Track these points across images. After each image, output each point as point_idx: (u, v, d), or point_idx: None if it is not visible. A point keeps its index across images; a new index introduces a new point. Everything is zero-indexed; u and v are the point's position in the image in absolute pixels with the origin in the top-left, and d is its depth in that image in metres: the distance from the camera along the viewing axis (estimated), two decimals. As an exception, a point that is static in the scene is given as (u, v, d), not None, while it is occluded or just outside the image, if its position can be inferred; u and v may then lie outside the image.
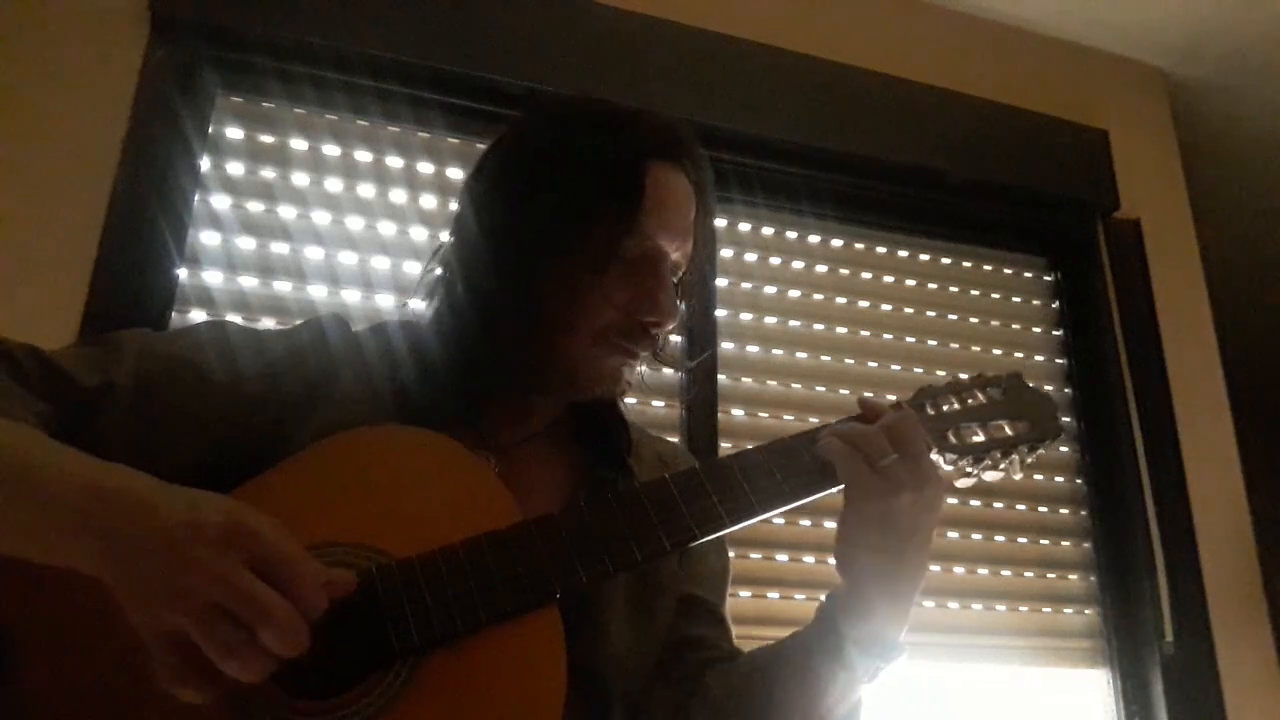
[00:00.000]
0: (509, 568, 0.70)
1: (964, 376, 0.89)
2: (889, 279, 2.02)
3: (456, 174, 1.72)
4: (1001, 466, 0.84)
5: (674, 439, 1.60)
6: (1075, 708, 1.87)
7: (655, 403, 1.72)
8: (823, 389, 1.88)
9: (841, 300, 1.97)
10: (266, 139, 1.63)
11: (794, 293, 1.93)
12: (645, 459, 0.95)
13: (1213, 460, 2.05)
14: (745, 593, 1.66)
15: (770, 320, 1.90)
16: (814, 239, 1.98)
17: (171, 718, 0.61)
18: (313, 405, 0.80)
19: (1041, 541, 1.94)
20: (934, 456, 0.81)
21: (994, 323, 2.09)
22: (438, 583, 0.68)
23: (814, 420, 1.84)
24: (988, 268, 2.13)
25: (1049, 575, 1.92)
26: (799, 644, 0.84)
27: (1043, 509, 1.97)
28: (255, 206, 1.59)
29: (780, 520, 1.62)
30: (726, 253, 1.90)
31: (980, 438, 0.84)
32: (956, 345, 2.03)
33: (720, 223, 1.89)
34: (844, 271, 1.99)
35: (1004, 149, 2.07)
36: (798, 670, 0.82)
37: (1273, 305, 3.01)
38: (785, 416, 1.84)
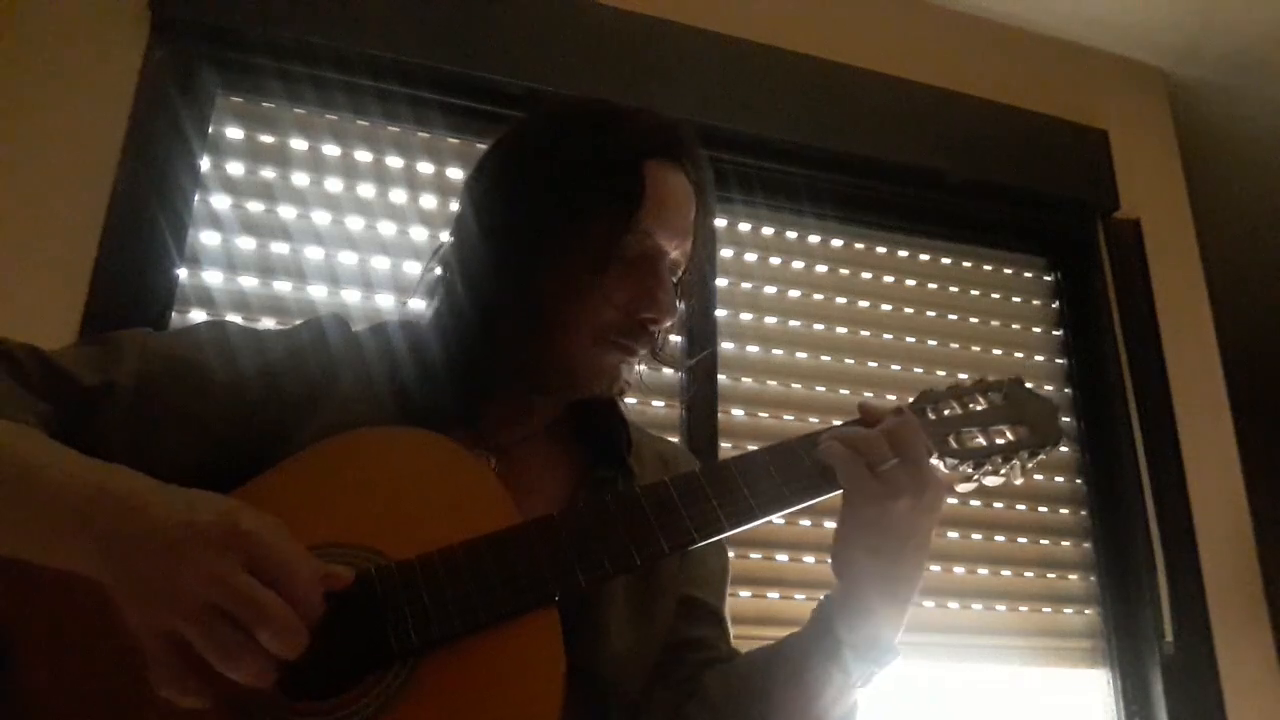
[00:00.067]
0: (507, 569, 0.70)
1: (965, 381, 0.89)
2: (889, 279, 2.02)
3: (456, 174, 1.72)
4: (1002, 472, 0.84)
5: (674, 439, 1.60)
6: (1075, 708, 1.87)
7: (655, 403, 1.72)
8: (823, 389, 1.88)
9: (841, 300, 1.97)
10: (266, 139, 1.63)
11: (794, 293, 1.93)
12: (646, 459, 0.95)
13: (1213, 460, 2.05)
14: (745, 593, 1.67)
15: (770, 320, 1.90)
16: (814, 239, 1.98)
17: (171, 718, 0.61)
18: (313, 405, 0.81)
19: (1041, 541, 1.94)
20: (934, 461, 0.81)
21: (994, 323, 2.09)
22: (436, 584, 0.68)
23: (814, 420, 1.84)
24: (988, 268, 2.13)
25: (1049, 575, 1.92)
26: (796, 646, 0.84)
27: (1043, 509, 1.97)
28: (255, 206, 1.59)
29: (780, 520, 1.62)
30: (726, 253, 1.90)
31: (981, 442, 0.84)
32: (956, 345, 2.03)
33: (720, 223, 1.89)
34: (844, 271, 1.99)
35: (1004, 149, 2.07)
36: (794, 672, 0.82)
37: (1273, 305, 3.01)
38: (785, 416, 1.84)
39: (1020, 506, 1.94)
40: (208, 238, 1.56)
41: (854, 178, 1.97)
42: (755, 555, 1.70)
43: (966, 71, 2.11)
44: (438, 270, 0.93)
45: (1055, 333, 2.14)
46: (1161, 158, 2.31)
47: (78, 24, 1.54)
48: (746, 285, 1.90)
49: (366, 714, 0.64)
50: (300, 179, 1.63)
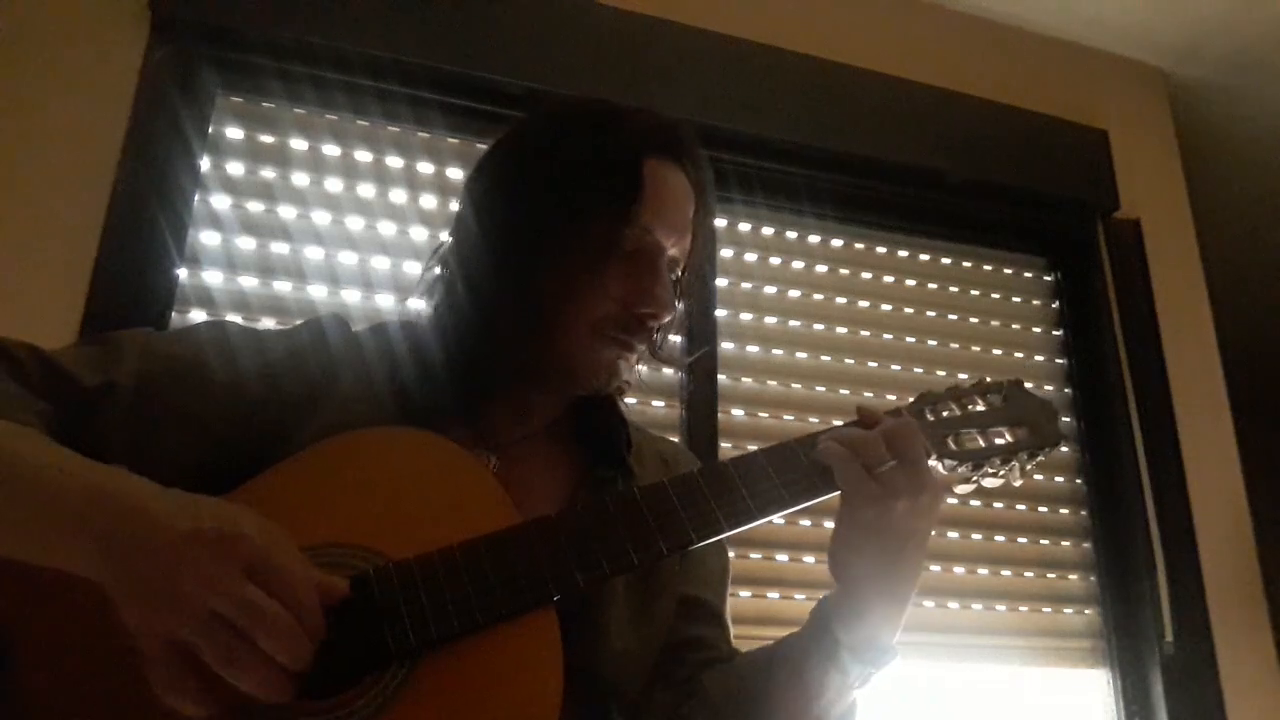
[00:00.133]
0: (506, 570, 0.70)
1: (964, 382, 0.89)
2: (889, 279, 2.02)
3: (456, 174, 1.72)
4: (1001, 473, 0.84)
5: (674, 439, 1.60)
6: (1075, 708, 1.87)
7: (655, 403, 1.72)
8: (823, 389, 1.88)
9: (841, 300, 1.97)
10: (266, 139, 1.63)
11: (794, 293, 1.93)
12: (646, 459, 0.95)
13: (1213, 460, 2.05)
14: (745, 593, 1.67)
15: (770, 320, 1.90)
16: (814, 239, 1.98)
17: (171, 718, 0.61)
18: (313, 405, 0.81)
19: (1041, 541, 1.94)
20: (933, 463, 0.81)
21: (994, 323, 2.09)
22: (434, 585, 0.68)
23: (814, 420, 1.84)
24: (988, 268, 2.13)
25: (1049, 575, 1.92)
26: (794, 646, 0.84)
27: (1043, 509, 1.97)
28: (255, 206, 1.59)
29: (780, 520, 1.62)
30: (726, 253, 1.90)
31: (980, 444, 0.84)
32: (956, 345, 2.03)
33: (720, 223, 1.89)
34: (844, 271, 1.99)
35: (1004, 149, 2.07)
36: (793, 673, 0.83)
37: (1273, 305, 3.01)
38: (785, 416, 1.84)
39: (1020, 506, 1.94)
40: (208, 238, 1.56)
41: (854, 178, 1.97)
42: (755, 555, 1.71)
43: (966, 71, 2.11)
44: (437, 270, 0.93)
45: (1055, 333, 2.14)
46: (1161, 158, 2.31)
47: (78, 24, 1.54)
48: (746, 285, 1.90)
49: (364, 714, 0.64)
50: (300, 179, 1.63)
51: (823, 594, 0.83)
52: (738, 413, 1.80)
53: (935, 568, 1.83)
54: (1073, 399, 2.08)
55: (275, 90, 1.62)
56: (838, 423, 0.86)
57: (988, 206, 2.09)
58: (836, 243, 2.00)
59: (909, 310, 2.01)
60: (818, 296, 1.95)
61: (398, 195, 1.68)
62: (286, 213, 1.61)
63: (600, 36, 1.80)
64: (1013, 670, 1.83)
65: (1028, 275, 2.17)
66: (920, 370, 1.98)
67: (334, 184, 1.65)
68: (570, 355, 0.84)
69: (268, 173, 1.62)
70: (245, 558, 0.59)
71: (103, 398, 0.74)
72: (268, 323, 1.53)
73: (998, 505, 1.93)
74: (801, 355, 1.90)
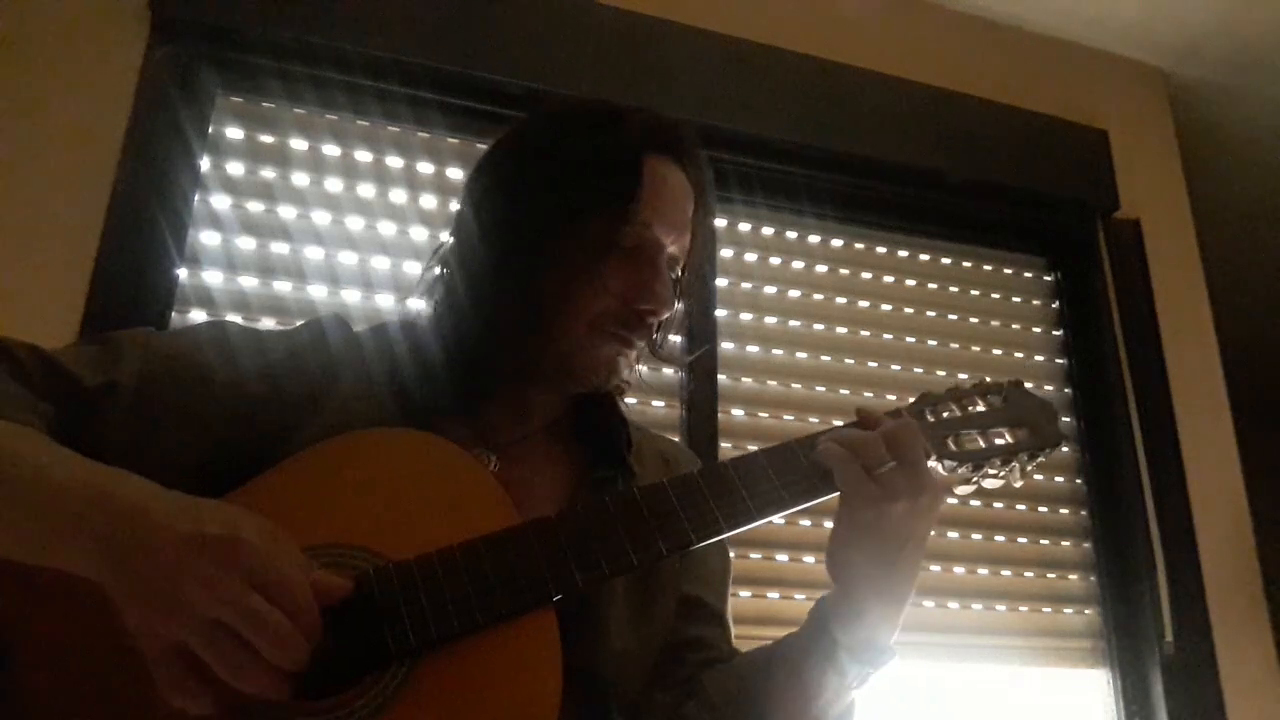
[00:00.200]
0: (505, 570, 0.70)
1: (964, 383, 0.89)
2: (889, 279, 2.02)
3: (456, 174, 1.72)
4: (1001, 474, 0.84)
5: (674, 439, 1.60)
6: (1075, 708, 1.87)
7: (655, 403, 1.72)
8: (823, 389, 1.88)
9: (841, 300, 1.97)
10: (266, 139, 1.63)
11: (794, 293, 1.93)
12: (647, 458, 0.95)
13: (1213, 460, 2.05)
14: (745, 593, 1.67)
15: (770, 320, 1.90)
16: (814, 239, 1.98)
17: (171, 718, 0.61)
18: (313, 406, 0.81)
19: (1041, 541, 1.94)
20: (933, 464, 0.81)
21: (994, 323, 2.09)
22: (434, 585, 0.69)
23: (814, 420, 1.84)
24: (988, 268, 2.13)
25: (1049, 575, 1.92)
26: (793, 646, 0.84)
27: (1043, 509, 1.97)
28: (255, 206, 1.59)
29: (780, 521, 1.62)
30: (726, 253, 1.90)
31: (980, 445, 0.84)
32: (956, 345, 2.03)
33: (720, 223, 1.89)
34: (844, 271, 1.99)
35: (1004, 149, 2.07)
36: (791, 673, 0.83)
37: (1273, 305, 3.01)
38: (785, 416, 1.84)
39: (1020, 506, 1.94)
40: (208, 238, 1.56)
41: (854, 178, 1.97)
42: (755, 555, 1.71)
43: (966, 71, 2.11)
44: (437, 270, 0.93)
45: (1055, 333, 2.14)
46: (1161, 158, 2.31)
47: (78, 24, 1.54)
48: (746, 285, 1.90)
49: (364, 714, 0.64)
50: (300, 179, 1.63)
51: (822, 594, 0.83)
52: (738, 413, 1.80)
53: (935, 568, 1.83)
54: (1073, 399, 2.07)
55: (275, 90, 1.62)
56: (838, 423, 0.86)
57: (988, 206, 2.09)
58: (836, 243, 2.00)
59: (909, 310, 2.01)
60: (818, 296, 1.95)
61: (398, 195, 1.68)
62: (286, 213, 1.60)
63: (600, 36, 1.80)
64: (1013, 670, 1.83)
65: (1028, 275, 2.17)
66: (920, 370, 1.98)
67: (334, 184, 1.65)
68: (570, 352, 0.84)
69: (268, 173, 1.62)
70: (246, 563, 0.59)
71: (103, 398, 0.74)
72: (268, 323, 1.53)
73: (998, 505, 1.93)
74: (801, 355, 1.90)
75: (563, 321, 0.83)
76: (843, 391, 1.89)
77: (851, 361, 1.93)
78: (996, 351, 2.07)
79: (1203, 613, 1.90)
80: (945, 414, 0.85)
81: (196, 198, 1.55)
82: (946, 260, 2.09)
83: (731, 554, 1.02)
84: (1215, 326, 2.19)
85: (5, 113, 1.46)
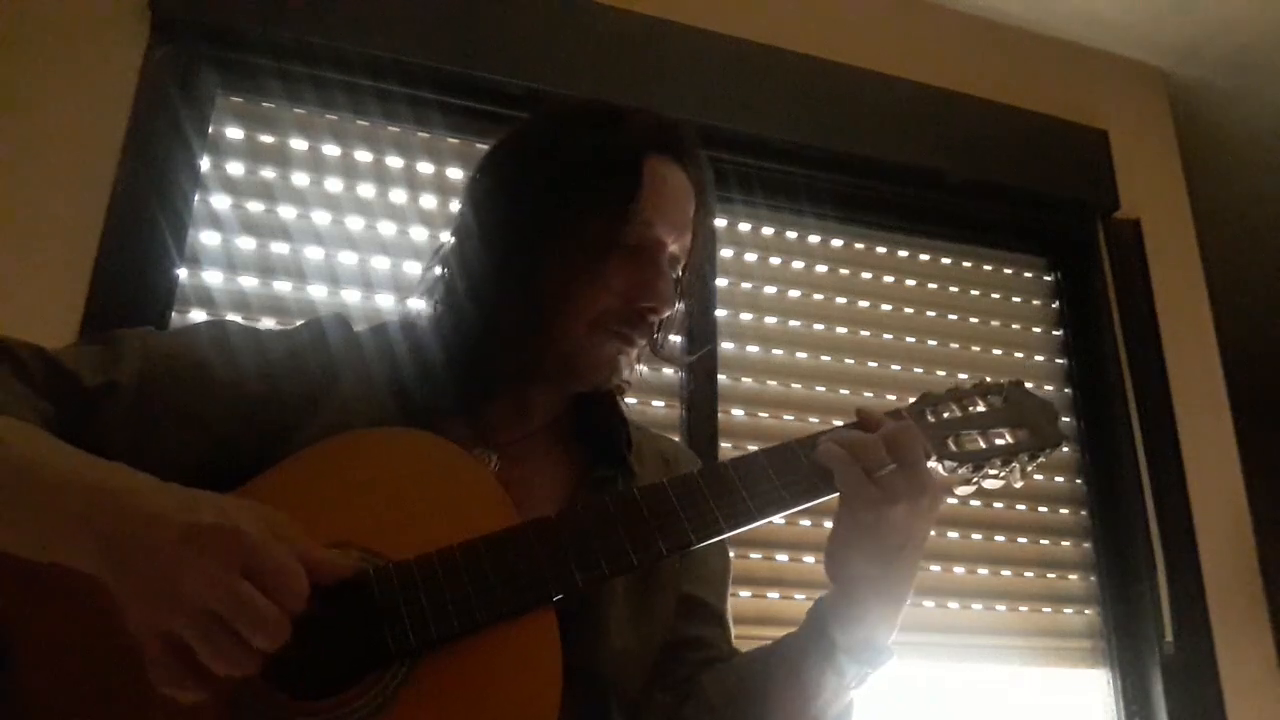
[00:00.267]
0: (505, 570, 0.70)
1: (964, 383, 0.89)
2: (889, 279, 2.02)
3: (456, 174, 1.72)
4: (1002, 475, 0.84)
5: (674, 439, 1.60)
6: (1075, 708, 1.87)
7: (655, 403, 1.72)
8: (823, 389, 1.88)
9: (841, 300, 1.97)
10: (266, 139, 1.63)
11: (794, 293, 1.93)
12: (647, 458, 0.95)
13: (1213, 460, 2.05)
14: (745, 593, 1.67)
15: (770, 320, 1.90)
16: (814, 239, 1.98)
17: (171, 718, 0.61)
18: (313, 406, 0.81)
19: (1041, 541, 1.94)
20: (933, 464, 0.81)
21: (994, 323, 2.09)
22: (434, 585, 0.69)
23: (814, 420, 1.84)
24: (988, 268, 2.13)
25: (1049, 575, 1.92)
26: (791, 647, 0.84)
27: (1043, 509, 1.97)
28: (255, 206, 1.59)
29: (780, 521, 1.62)
30: (726, 253, 1.90)
31: (980, 445, 0.84)
32: (956, 345, 2.03)
33: (720, 223, 1.89)
34: (844, 271, 1.99)
35: (1004, 149, 2.07)
36: (790, 673, 0.83)
37: (1273, 305, 3.01)
38: (785, 416, 1.84)
39: (1020, 506, 1.94)
40: (208, 238, 1.56)
41: (854, 178, 1.97)
42: (755, 555, 1.71)
43: (966, 71, 2.11)
44: (438, 270, 0.93)
45: (1055, 333, 2.14)
46: (1161, 158, 2.31)
47: (78, 24, 1.54)
48: (746, 285, 1.90)
49: (364, 714, 0.65)
50: (300, 179, 1.63)
51: (822, 594, 0.83)
52: (738, 413, 1.80)
53: (935, 568, 1.83)
54: (1073, 399, 2.07)
55: (275, 90, 1.62)
56: (838, 423, 0.85)
57: (988, 206, 2.09)
58: (836, 243, 2.00)
59: (909, 310, 2.01)
60: (818, 296, 1.95)
61: (398, 195, 1.68)
62: (286, 213, 1.60)
63: (600, 36, 1.80)
64: (1013, 670, 1.83)
65: (1028, 275, 2.17)
66: (920, 370, 1.98)
67: (334, 184, 1.65)
68: (571, 350, 0.84)
69: (268, 173, 1.62)
70: (242, 554, 0.59)
71: (104, 397, 0.74)
72: (268, 323, 1.53)
73: (998, 505, 1.93)
74: (801, 355, 1.90)
75: (564, 321, 0.83)
76: (843, 391, 1.89)
77: (851, 361, 1.93)
78: (996, 351, 2.07)
79: (1203, 613, 1.90)
80: (945, 414, 0.85)
81: (196, 198, 1.55)
82: (946, 260, 2.09)
83: (731, 554, 1.02)
84: (1215, 326, 2.19)
85: (5, 113, 1.46)
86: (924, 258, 2.08)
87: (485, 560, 0.70)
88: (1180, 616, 1.87)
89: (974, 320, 2.07)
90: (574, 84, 1.72)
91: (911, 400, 0.88)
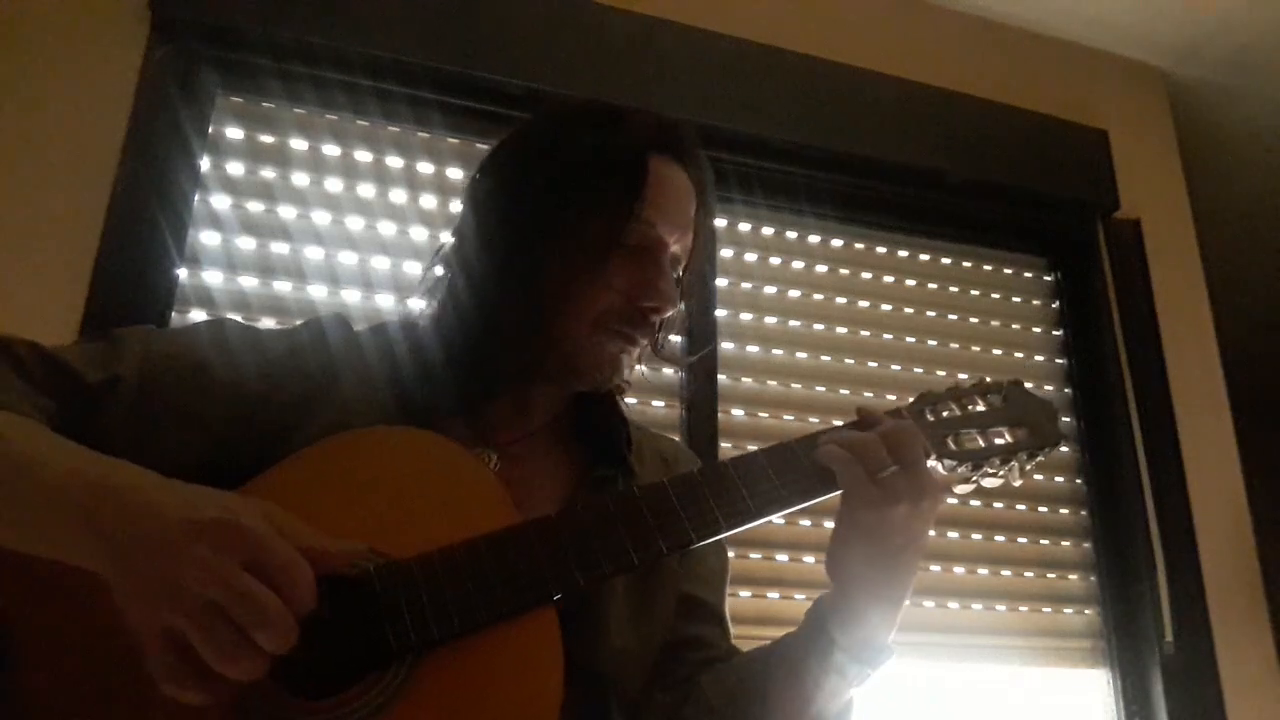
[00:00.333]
0: (507, 569, 0.70)
1: (964, 382, 0.89)
2: (889, 279, 2.02)
3: (456, 174, 1.72)
4: (1001, 473, 0.84)
5: (674, 439, 1.60)
6: (1075, 708, 1.87)
7: (655, 403, 1.72)
8: (823, 389, 1.88)
9: (841, 300, 1.97)
10: (266, 139, 1.63)
11: (794, 293, 1.93)
12: (646, 457, 0.96)
13: (1213, 460, 2.05)
14: (745, 593, 1.67)
15: (770, 320, 1.90)
16: (814, 239, 1.98)
17: (172, 717, 0.61)
18: (313, 405, 0.81)
19: (1041, 541, 1.94)
20: (933, 463, 0.81)
21: (994, 323, 2.09)
22: (435, 583, 0.69)
23: (814, 420, 1.84)
24: (988, 268, 2.13)
25: (1049, 575, 1.92)
26: (791, 646, 0.84)
27: (1043, 509, 1.97)
28: (255, 206, 1.60)
29: (780, 521, 1.62)
30: (726, 253, 1.90)
31: (980, 444, 0.84)
32: (956, 345, 2.03)
33: (720, 223, 1.89)
34: (844, 271, 1.99)
35: (1004, 149, 2.07)
36: (790, 672, 0.83)
37: (1273, 305, 3.01)
38: (785, 416, 1.84)
39: (1020, 506, 1.94)
40: (208, 238, 1.56)
41: (854, 178, 1.97)
42: (755, 555, 1.71)
43: (966, 71, 2.11)
44: (439, 270, 0.93)
45: (1055, 333, 2.14)
46: (1161, 158, 2.31)
47: (78, 24, 1.54)
48: (746, 285, 1.90)
49: (365, 712, 0.64)
50: (300, 179, 1.63)
51: (822, 593, 0.84)
52: (738, 413, 1.80)
53: (935, 568, 1.83)
54: (1073, 399, 2.08)
55: (275, 90, 1.62)
56: (838, 423, 0.85)
57: (988, 206, 2.09)
58: (836, 243, 2.00)
59: (909, 310, 2.01)
60: (818, 296, 1.95)
61: (398, 195, 1.68)
62: (286, 213, 1.61)
63: (600, 36, 1.80)
64: (1013, 670, 1.83)
65: (1028, 275, 2.17)
66: (920, 370, 1.98)
67: (334, 184, 1.65)
68: (573, 350, 0.84)
69: (268, 173, 1.62)
70: (242, 546, 0.59)
71: (105, 395, 0.74)
72: (268, 323, 1.53)
73: (998, 505, 1.93)
74: (801, 355, 1.90)
75: (565, 320, 0.83)
76: (843, 391, 1.89)
77: (851, 361, 1.93)
78: (996, 351, 2.07)
79: (1203, 613, 1.90)
80: (945, 413, 0.85)
81: (196, 198, 1.55)
82: (946, 260, 2.09)
83: (731, 554, 1.02)
84: (1215, 326, 2.19)
85: (5, 112, 1.46)
86: (924, 258, 2.08)
87: (487, 558, 0.70)
88: (1180, 616, 1.87)
89: (974, 320, 2.07)
90: (574, 84, 1.72)
91: (911, 400, 0.88)
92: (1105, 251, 2.13)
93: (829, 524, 0.80)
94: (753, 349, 1.86)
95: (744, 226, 1.93)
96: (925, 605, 1.79)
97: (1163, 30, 2.25)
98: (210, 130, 1.60)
